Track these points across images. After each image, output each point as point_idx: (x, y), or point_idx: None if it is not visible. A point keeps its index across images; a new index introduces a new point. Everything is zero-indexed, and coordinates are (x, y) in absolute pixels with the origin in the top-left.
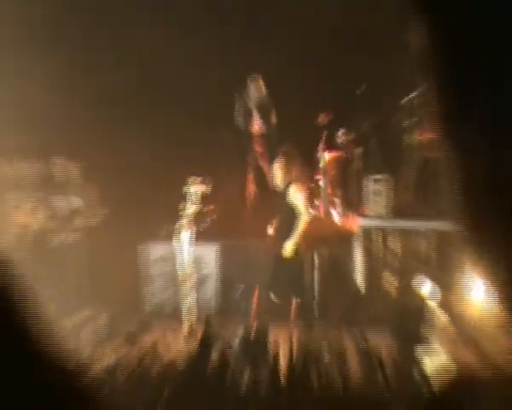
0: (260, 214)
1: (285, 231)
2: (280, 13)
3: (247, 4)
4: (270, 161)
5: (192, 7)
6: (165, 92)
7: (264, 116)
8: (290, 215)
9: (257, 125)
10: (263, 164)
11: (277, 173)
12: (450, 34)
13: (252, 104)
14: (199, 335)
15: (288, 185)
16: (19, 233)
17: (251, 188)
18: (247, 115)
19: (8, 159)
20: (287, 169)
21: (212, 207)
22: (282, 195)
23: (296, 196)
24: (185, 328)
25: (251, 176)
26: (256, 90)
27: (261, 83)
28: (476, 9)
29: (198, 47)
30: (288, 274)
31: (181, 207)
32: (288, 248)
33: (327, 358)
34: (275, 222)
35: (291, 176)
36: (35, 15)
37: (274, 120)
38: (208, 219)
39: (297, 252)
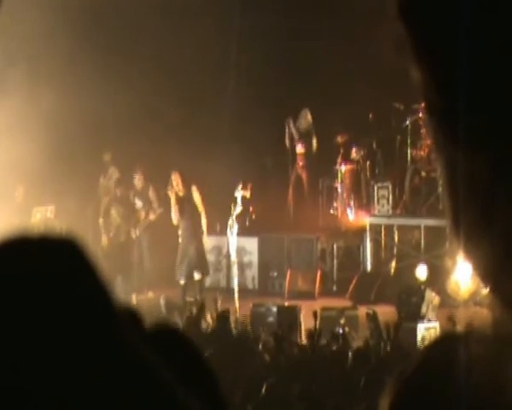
0: (297, 213)
1: None
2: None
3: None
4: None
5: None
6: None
7: (307, 140)
8: None
9: (302, 146)
10: (303, 176)
11: None
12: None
13: (299, 130)
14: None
15: None
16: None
17: (291, 193)
18: (294, 138)
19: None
20: None
21: (251, 208)
22: None
23: None
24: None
25: (292, 184)
26: (304, 120)
27: (309, 115)
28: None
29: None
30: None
31: (231, 208)
32: None
33: (342, 321)
34: None
35: None
36: None
37: (315, 143)
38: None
39: None
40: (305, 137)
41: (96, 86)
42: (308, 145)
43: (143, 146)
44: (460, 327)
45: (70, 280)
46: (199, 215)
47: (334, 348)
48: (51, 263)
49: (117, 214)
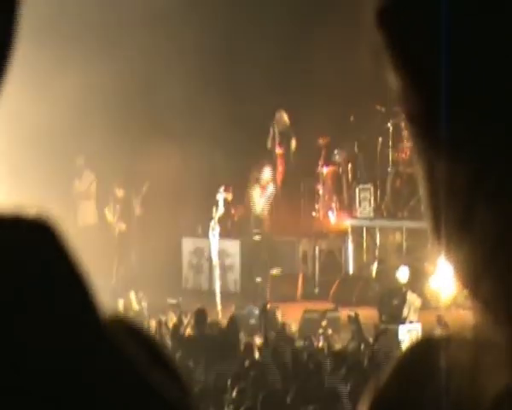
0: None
1: None
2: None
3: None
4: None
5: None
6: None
7: (285, 141)
8: None
9: (279, 147)
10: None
11: None
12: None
13: (277, 131)
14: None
15: None
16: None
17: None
18: (274, 139)
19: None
20: None
21: (233, 211)
22: None
23: None
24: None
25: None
26: (281, 121)
27: (285, 116)
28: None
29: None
30: None
31: (213, 210)
32: None
33: (324, 323)
34: None
35: None
36: None
37: (293, 144)
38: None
39: None
40: (282, 139)
41: (71, 88)
42: (286, 147)
43: (120, 149)
44: (444, 329)
45: (41, 259)
46: None
47: (315, 350)
48: (22, 241)
49: (108, 215)
